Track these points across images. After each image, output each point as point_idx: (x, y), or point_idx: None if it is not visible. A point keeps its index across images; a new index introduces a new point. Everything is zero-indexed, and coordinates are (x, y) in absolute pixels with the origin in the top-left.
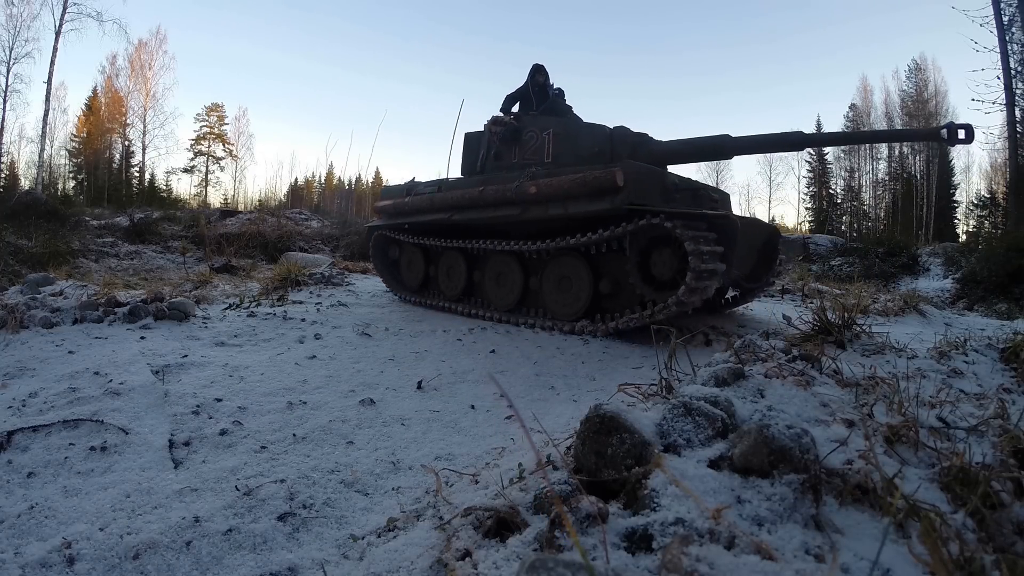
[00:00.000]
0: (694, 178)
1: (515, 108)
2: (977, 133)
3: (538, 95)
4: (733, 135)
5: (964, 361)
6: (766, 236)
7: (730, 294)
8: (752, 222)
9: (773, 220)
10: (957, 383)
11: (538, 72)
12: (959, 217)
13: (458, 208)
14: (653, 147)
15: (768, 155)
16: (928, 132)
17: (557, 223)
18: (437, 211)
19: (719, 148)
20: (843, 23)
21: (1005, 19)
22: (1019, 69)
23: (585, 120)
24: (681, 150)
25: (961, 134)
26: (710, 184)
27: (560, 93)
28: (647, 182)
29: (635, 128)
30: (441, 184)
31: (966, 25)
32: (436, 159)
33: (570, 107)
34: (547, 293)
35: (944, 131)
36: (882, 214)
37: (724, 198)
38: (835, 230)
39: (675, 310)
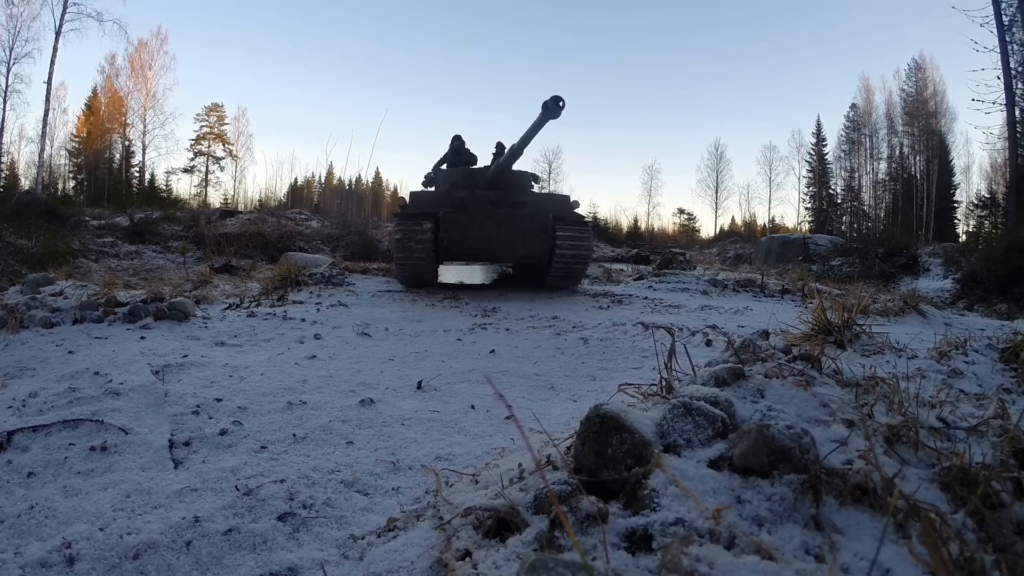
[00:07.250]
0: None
1: (444, 165)
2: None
3: (454, 154)
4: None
5: (964, 361)
6: (537, 222)
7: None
8: (509, 213)
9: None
10: (957, 383)
11: (455, 139)
12: (959, 217)
13: None
14: (482, 175)
15: (768, 155)
16: (540, 121)
17: None
18: None
19: (497, 178)
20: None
21: (1005, 19)
22: (1019, 69)
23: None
24: (491, 176)
25: (562, 103)
26: (562, 194)
27: (499, 146)
28: (422, 202)
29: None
30: None
31: (966, 25)
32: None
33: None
34: None
35: (544, 107)
36: (882, 214)
37: (540, 201)
38: (835, 230)
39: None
